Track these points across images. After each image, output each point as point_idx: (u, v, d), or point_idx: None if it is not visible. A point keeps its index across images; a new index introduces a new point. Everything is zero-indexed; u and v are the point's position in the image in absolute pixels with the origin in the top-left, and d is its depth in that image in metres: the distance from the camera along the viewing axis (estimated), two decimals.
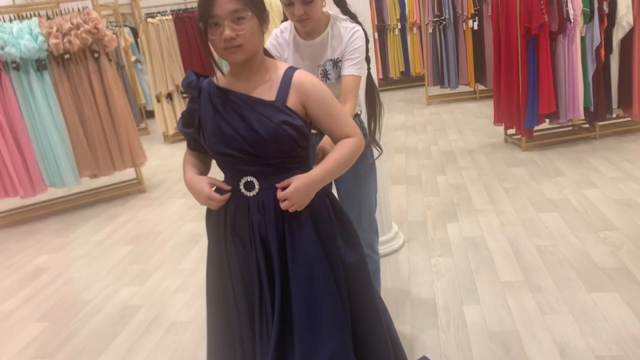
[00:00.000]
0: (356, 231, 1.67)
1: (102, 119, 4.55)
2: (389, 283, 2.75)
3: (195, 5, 8.11)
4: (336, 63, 1.91)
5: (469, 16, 6.69)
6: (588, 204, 3.35)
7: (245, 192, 1.49)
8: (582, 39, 4.28)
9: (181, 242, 3.65)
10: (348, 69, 1.88)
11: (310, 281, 1.50)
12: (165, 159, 6.22)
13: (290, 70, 1.49)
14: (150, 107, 8.21)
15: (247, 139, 1.43)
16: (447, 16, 6.82)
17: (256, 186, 1.48)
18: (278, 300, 1.50)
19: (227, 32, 1.36)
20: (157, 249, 3.59)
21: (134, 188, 4.99)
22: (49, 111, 4.33)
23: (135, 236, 3.88)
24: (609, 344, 2.08)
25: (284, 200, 1.44)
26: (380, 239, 3.04)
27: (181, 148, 6.66)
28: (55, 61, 4.33)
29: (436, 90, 7.47)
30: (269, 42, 1.93)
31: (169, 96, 6.72)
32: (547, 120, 4.55)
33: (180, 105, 6.78)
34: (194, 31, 6.66)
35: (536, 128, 4.59)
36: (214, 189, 1.50)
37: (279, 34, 1.95)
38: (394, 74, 8.63)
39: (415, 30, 8.32)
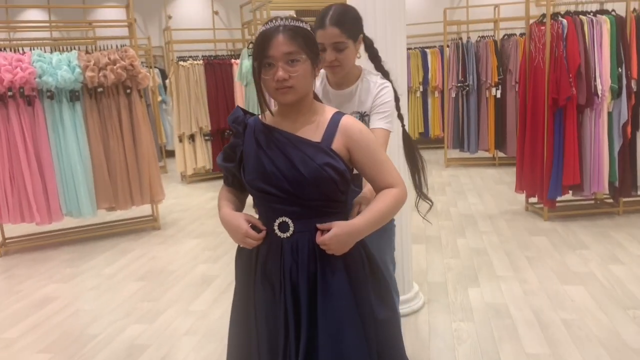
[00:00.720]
0: (389, 287, 1.62)
1: (126, 153, 4.59)
2: (408, 345, 2.62)
3: (225, 53, 8.37)
4: (362, 116, 1.91)
5: (493, 84, 6.81)
6: (615, 280, 3.25)
7: (279, 233, 1.46)
8: (609, 114, 4.31)
9: (193, 283, 3.57)
10: (377, 122, 1.87)
11: (340, 335, 1.44)
12: (181, 198, 6.23)
13: (338, 115, 1.50)
14: (170, 147, 8.32)
15: (288, 177, 1.42)
16: (470, 83, 6.95)
17: (291, 228, 1.45)
18: (303, 351, 1.43)
19: (280, 74, 1.37)
20: (169, 288, 3.51)
21: (149, 224, 4.96)
22: (75, 141, 4.38)
23: (146, 273, 3.81)
24: None
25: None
26: (401, 298, 2.96)
27: (198, 189, 6.71)
28: (89, 93, 4.42)
29: (455, 153, 7.52)
30: None
31: (192, 137, 6.80)
32: (570, 191, 4.51)
33: (202, 146, 6.86)
34: (222, 77, 6.83)
35: (558, 199, 4.55)
36: (250, 226, 1.47)
37: None
38: (413, 134, 8.71)
39: (436, 94, 8.47)
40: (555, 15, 4.35)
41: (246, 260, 1.54)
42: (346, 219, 1.50)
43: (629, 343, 2.54)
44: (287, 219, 1.45)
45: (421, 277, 3.46)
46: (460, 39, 7.32)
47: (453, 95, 7.13)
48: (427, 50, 8.51)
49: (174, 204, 5.88)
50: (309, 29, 1.44)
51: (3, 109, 4.13)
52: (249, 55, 5.06)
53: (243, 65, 5.37)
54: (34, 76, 4.13)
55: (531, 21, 4.61)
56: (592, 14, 4.33)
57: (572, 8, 4.49)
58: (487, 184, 6.07)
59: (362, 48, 1.96)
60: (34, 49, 4.46)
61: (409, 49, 8.68)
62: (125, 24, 4.86)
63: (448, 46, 7.12)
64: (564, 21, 4.25)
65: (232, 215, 1.51)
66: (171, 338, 2.84)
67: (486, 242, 4.09)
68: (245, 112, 1.57)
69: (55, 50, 4.57)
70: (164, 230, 4.89)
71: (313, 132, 1.46)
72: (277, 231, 1.46)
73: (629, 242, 3.89)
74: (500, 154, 7.14)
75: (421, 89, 8.57)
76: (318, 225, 1.43)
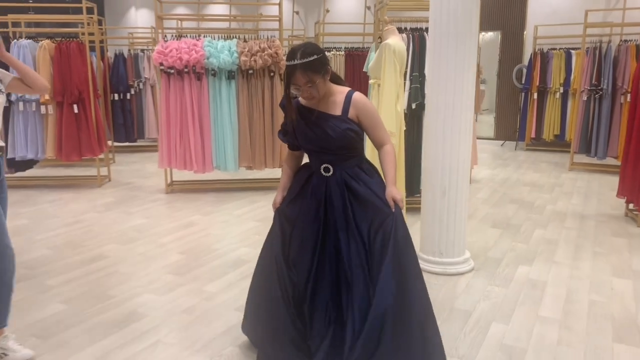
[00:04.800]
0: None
1: (265, 125, 5.68)
2: (443, 294, 3.21)
3: (367, 45, 9.16)
4: None
5: (629, 90, 6.60)
6: None
7: (324, 173, 2.28)
8: None
9: None
10: None
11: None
12: None
13: (350, 92, 2.26)
14: None
15: (323, 140, 2.22)
16: (604, 87, 6.81)
17: (331, 170, 2.27)
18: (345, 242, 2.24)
19: (306, 95, 2.16)
20: None
21: (276, 184, 5.96)
22: (228, 110, 5.57)
23: (264, 217, 4.84)
24: None
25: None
26: (449, 260, 3.55)
27: None
28: (242, 74, 5.57)
29: (585, 158, 7.41)
30: None
31: None
32: None
33: None
34: (360, 67, 7.65)
35: None
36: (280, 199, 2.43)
37: None
38: (547, 135, 8.66)
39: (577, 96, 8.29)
40: None
41: (302, 183, 2.36)
42: (361, 157, 2.31)
43: (639, 323, 2.81)
44: (328, 165, 2.27)
45: (482, 252, 3.93)
46: (601, 41, 7.15)
47: (584, 98, 7.05)
48: (572, 52, 8.36)
49: None
50: (316, 57, 2.10)
51: (180, 82, 5.47)
52: (376, 50, 5.78)
53: (370, 58, 6.09)
54: (203, 58, 5.38)
55: None
56: None
57: None
58: (601, 190, 6.04)
59: None
60: (206, 37, 5.73)
61: (553, 49, 8.61)
62: (277, 18, 5.91)
63: (587, 49, 7.04)
64: None
65: (280, 188, 2.46)
66: None
67: (563, 235, 4.34)
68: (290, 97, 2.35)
69: (222, 38, 5.80)
70: None
71: (335, 108, 2.24)
72: (322, 172, 2.28)
73: None
74: None
75: (561, 91, 8.46)
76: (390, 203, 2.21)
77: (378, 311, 2.08)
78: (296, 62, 2.07)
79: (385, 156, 2.29)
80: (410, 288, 2.16)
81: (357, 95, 2.24)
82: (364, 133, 2.31)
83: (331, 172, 2.25)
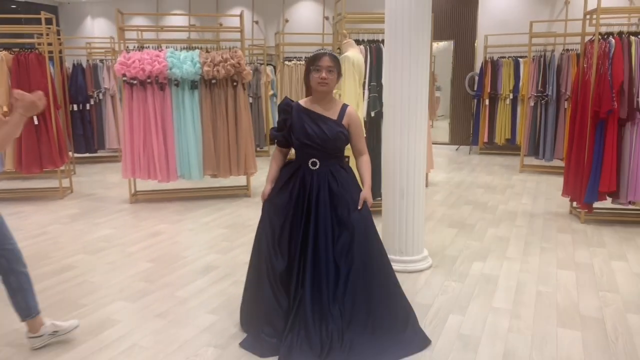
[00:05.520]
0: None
1: (229, 133, 5.79)
2: (403, 290, 3.40)
3: None
4: None
5: (571, 96, 7.06)
6: (608, 271, 3.71)
7: (311, 167, 2.61)
8: None
9: None
10: None
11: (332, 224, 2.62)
12: None
13: (345, 105, 2.67)
14: None
15: (320, 137, 2.56)
16: (549, 93, 7.25)
17: (318, 164, 2.61)
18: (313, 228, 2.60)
19: (324, 75, 2.51)
20: (243, 235, 4.60)
21: (242, 192, 6.15)
22: (192, 120, 5.66)
23: (231, 224, 4.95)
24: None
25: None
26: (408, 258, 3.75)
27: None
28: (205, 84, 5.67)
29: (534, 160, 7.83)
30: None
31: None
32: (608, 198, 4.85)
33: None
34: None
35: (604, 206, 4.91)
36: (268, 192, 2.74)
37: None
38: (499, 139, 9.09)
39: (525, 102, 8.76)
40: (606, 35, 4.73)
41: (289, 175, 2.67)
42: (342, 158, 2.70)
43: (581, 309, 3.10)
44: (316, 160, 2.61)
45: (440, 250, 4.17)
46: (545, 50, 7.61)
47: (532, 104, 7.48)
48: (520, 60, 8.82)
49: None
50: (339, 57, 2.58)
51: (143, 92, 5.52)
52: None
53: None
54: (166, 68, 5.46)
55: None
56: None
57: (626, 29, 4.81)
58: (549, 190, 6.43)
59: None
60: (168, 47, 5.81)
61: (502, 57, 9.07)
62: (238, 29, 6.04)
63: (533, 58, 7.47)
64: (612, 41, 4.63)
65: (268, 181, 2.75)
66: (235, 265, 3.90)
67: (514, 233, 4.65)
68: (290, 100, 2.71)
69: (185, 49, 5.88)
70: (253, 198, 6.03)
71: (332, 113, 2.63)
72: (310, 166, 2.61)
73: None
74: None
75: (511, 97, 8.91)
76: (359, 206, 2.60)
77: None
78: (327, 51, 2.60)
79: (363, 164, 2.71)
80: (375, 267, 2.65)
81: (350, 109, 2.68)
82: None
83: (317, 166, 2.63)
